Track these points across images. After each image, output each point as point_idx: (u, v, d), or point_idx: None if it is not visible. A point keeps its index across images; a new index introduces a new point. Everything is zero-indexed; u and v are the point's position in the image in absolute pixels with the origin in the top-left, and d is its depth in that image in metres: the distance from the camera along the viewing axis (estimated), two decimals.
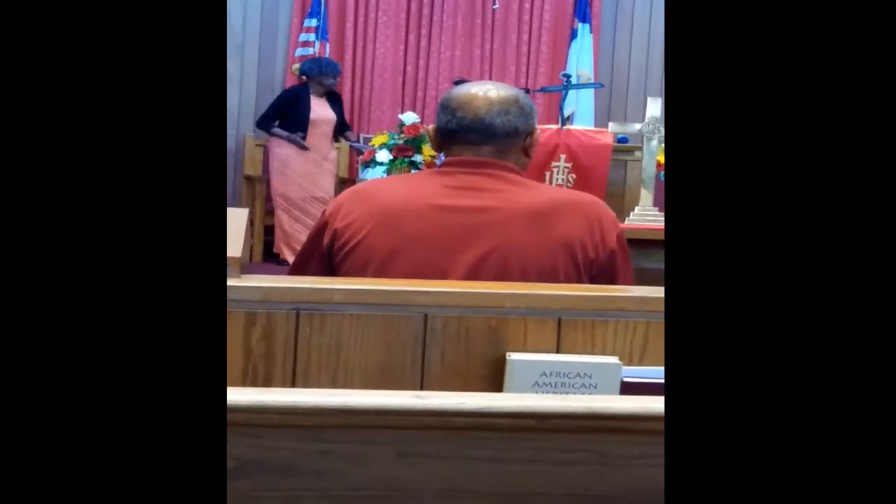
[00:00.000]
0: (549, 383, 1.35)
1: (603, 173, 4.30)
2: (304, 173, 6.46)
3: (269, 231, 6.74)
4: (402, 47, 7.50)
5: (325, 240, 1.79)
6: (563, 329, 1.40)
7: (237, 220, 1.44)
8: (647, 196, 3.75)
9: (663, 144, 3.83)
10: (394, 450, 0.93)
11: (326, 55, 7.06)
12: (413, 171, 5.36)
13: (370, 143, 5.86)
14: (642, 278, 1.95)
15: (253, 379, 1.36)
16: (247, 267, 1.45)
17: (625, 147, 4.69)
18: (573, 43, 7.60)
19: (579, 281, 1.73)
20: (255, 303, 1.36)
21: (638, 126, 3.88)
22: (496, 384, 1.38)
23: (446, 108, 1.86)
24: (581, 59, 7.51)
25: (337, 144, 6.70)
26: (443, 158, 1.92)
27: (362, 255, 1.74)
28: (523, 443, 0.94)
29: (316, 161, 6.50)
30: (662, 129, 3.77)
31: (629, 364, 1.39)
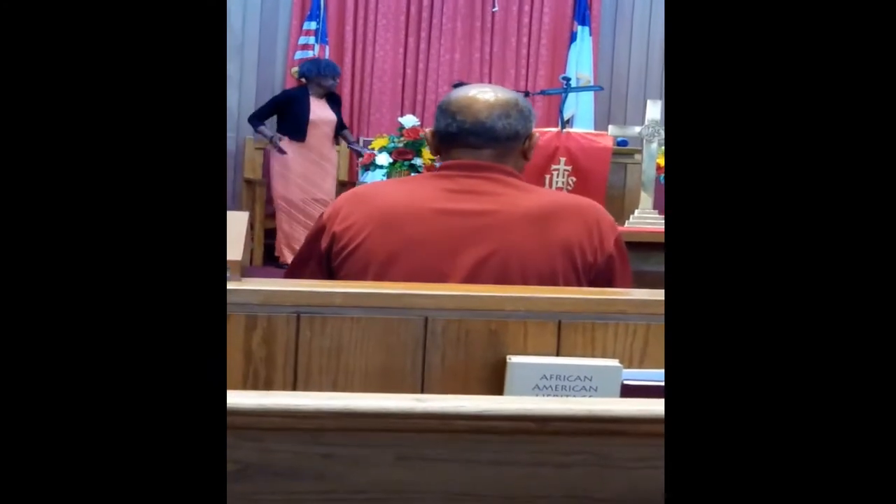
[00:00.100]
0: (550, 386, 1.36)
1: (603, 176, 4.29)
2: (304, 175, 6.46)
3: (270, 234, 6.73)
4: (401, 50, 7.50)
5: (324, 243, 1.78)
6: (563, 332, 1.41)
7: (237, 223, 1.44)
8: (646, 199, 3.75)
9: (663, 147, 3.83)
10: (394, 453, 0.93)
11: (326, 58, 7.06)
12: (413, 175, 5.35)
13: (370, 147, 5.86)
14: (642, 281, 1.95)
15: (254, 382, 1.36)
16: (247, 270, 1.45)
17: (624, 150, 4.68)
18: (573, 46, 7.60)
19: (578, 285, 1.73)
20: (255, 306, 1.36)
21: (638, 129, 3.87)
22: (496, 387, 1.38)
23: (446, 111, 1.85)
24: (580, 62, 7.51)
25: (337, 147, 6.69)
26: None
27: (362, 258, 1.73)
28: (524, 446, 0.95)
29: (316, 162, 6.49)
30: (662, 132, 3.76)
31: (629, 367, 1.40)
